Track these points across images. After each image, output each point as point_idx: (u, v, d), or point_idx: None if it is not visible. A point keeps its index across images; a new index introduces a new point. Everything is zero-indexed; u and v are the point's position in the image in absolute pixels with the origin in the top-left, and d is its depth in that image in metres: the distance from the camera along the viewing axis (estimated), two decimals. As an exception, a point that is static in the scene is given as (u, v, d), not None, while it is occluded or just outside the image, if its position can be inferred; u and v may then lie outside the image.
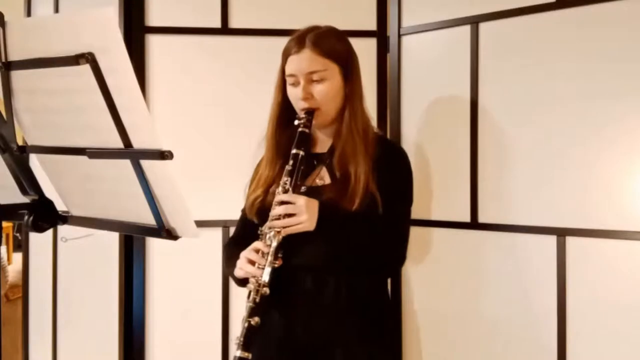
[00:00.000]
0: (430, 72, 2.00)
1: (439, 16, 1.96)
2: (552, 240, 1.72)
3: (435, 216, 1.93)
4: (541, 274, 1.74)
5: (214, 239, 2.10)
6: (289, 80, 1.44)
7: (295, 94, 1.43)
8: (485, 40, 1.87)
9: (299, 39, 1.42)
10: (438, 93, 1.97)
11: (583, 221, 1.67)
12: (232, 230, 2.08)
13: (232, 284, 2.10)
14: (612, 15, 1.63)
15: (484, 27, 1.87)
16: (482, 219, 1.87)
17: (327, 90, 1.41)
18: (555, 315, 1.71)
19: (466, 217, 1.89)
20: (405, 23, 2.05)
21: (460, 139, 1.90)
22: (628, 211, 1.61)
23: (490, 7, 1.84)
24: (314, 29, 1.44)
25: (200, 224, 1.99)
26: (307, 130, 1.39)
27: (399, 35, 2.05)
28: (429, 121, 1.99)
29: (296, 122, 1.40)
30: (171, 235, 1.04)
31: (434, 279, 1.98)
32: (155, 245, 2.10)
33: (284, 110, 1.48)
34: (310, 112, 1.41)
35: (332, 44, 1.42)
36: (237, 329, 2.09)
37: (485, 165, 1.87)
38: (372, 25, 2.10)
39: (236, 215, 2.06)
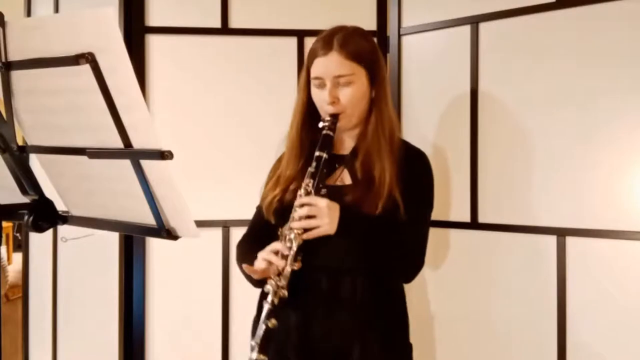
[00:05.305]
0: (430, 72, 2.00)
1: (439, 16, 1.96)
2: (552, 240, 1.72)
3: (435, 216, 1.92)
4: (541, 274, 1.75)
5: (214, 239, 2.10)
6: (314, 82, 1.41)
7: (321, 97, 1.40)
8: (485, 40, 1.87)
9: (326, 40, 1.39)
10: (438, 93, 1.97)
11: (583, 221, 1.67)
12: (232, 230, 2.09)
13: (232, 284, 2.10)
14: (612, 15, 1.63)
15: (484, 27, 1.87)
16: (482, 219, 1.87)
17: (354, 94, 1.38)
18: (555, 315, 1.71)
19: (466, 217, 1.90)
20: (405, 23, 2.05)
21: (460, 139, 1.90)
22: (628, 211, 1.61)
23: (491, 7, 1.84)
24: (341, 30, 1.41)
25: (200, 224, 1.98)
26: (331, 133, 1.38)
27: (399, 35, 2.05)
28: (429, 121, 1.99)
29: (321, 125, 1.39)
30: (171, 235, 1.04)
31: (433, 279, 1.98)
32: (155, 245, 2.10)
33: (308, 110, 1.46)
34: (335, 115, 1.39)
35: (359, 46, 1.39)
36: (237, 329, 2.11)
37: (485, 165, 1.87)
38: (372, 25, 2.10)
39: (236, 215, 2.06)
